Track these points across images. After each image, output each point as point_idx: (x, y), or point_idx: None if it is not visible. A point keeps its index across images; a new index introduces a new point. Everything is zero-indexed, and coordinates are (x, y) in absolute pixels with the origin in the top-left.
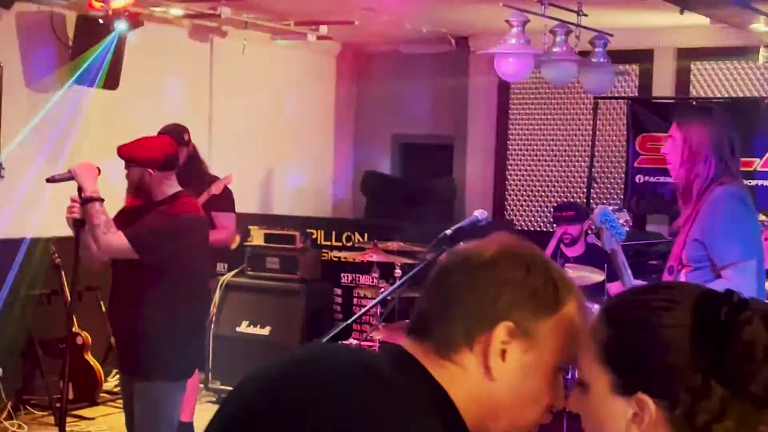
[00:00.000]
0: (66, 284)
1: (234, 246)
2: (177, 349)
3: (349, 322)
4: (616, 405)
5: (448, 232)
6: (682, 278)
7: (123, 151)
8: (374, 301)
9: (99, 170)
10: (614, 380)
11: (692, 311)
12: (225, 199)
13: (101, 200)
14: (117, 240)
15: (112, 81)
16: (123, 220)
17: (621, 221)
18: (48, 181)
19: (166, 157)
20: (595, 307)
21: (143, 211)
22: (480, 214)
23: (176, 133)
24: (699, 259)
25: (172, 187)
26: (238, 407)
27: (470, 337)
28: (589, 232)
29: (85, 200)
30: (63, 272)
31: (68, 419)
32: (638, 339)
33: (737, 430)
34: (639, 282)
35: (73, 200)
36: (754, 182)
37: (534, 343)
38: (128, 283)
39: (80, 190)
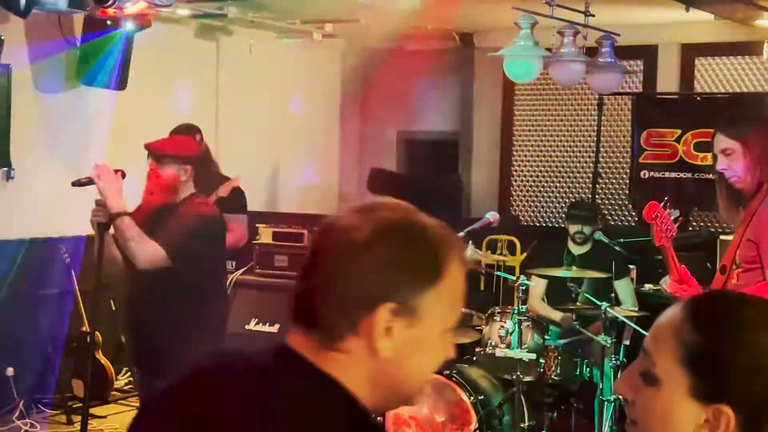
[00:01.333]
0: (76, 283)
1: (242, 244)
2: (201, 347)
3: None
4: (690, 408)
5: (461, 234)
6: (733, 279)
7: (158, 147)
8: None
9: (123, 174)
10: (695, 385)
11: None
12: (235, 201)
13: (128, 214)
14: (153, 250)
15: (120, 81)
16: (144, 221)
17: (672, 218)
18: (73, 184)
19: (196, 155)
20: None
21: (166, 213)
22: (492, 216)
23: (188, 134)
24: (751, 260)
25: (192, 187)
26: (146, 422)
27: (354, 323)
28: (597, 229)
29: (113, 217)
30: (73, 272)
31: (80, 418)
32: (732, 355)
33: None
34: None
35: (97, 203)
36: None
37: (419, 317)
38: (153, 282)
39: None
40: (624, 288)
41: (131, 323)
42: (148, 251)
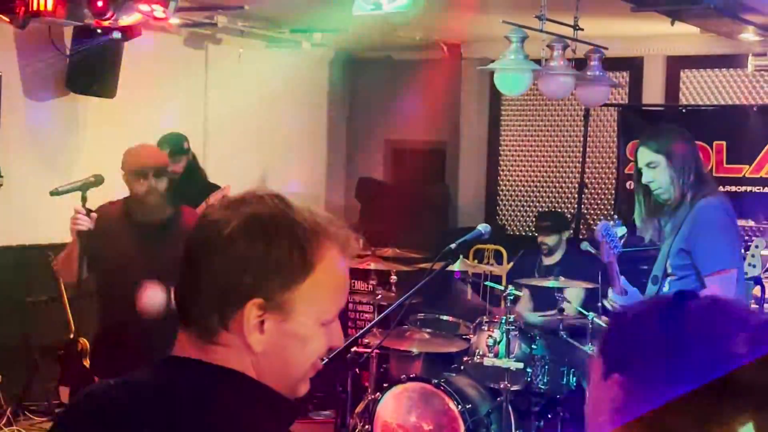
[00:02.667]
0: (64, 291)
1: None
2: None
3: (360, 333)
4: None
5: (453, 245)
6: (665, 287)
7: (153, 158)
8: (386, 310)
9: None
10: None
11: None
12: None
13: None
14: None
15: (109, 89)
16: (136, 240)
17: (619, 236)
18: (52, 194)
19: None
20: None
21: (162, 229)
22: (483, 228)
23: (176, 142)
24: (684, 268)
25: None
26: None
27: (224, 320)
28: (568, 237)
29: None
30: (61, 279)
31: None
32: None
33: None
34: (633, 289)
35: (77, 211)
36: (742, 188)
37: (291, 311)
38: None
39: (84, 200)
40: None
41: (135, 327)
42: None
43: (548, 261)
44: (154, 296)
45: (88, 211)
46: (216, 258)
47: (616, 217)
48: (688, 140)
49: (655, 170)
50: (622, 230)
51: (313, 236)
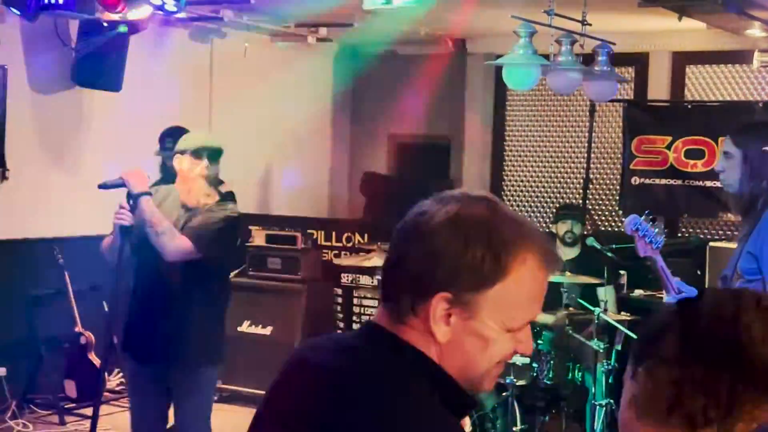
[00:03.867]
0: (69, 284)
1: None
2: (221, 337)
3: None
4: None
5: None
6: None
7: (212, 141)
8: None
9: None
10: None
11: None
12: None
13: (150, 194)
14: (184, 246)
15: (114, 82)
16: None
17: (656, 230)
18: (100, 187)
19: None
20: None
21: (199, 212)
22: None
23: (180, 136)
24: (752, 272)
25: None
26: (259, 418)
27: (413, 305)
28: (589, 235)
29: (137, 197)
30: (66, 272)
31: (72, 418)
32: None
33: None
34: (690, 288)
35: (122, 207)
36: None
37: (476, 311)
38: (178, 279)
39: (129, 196)
40: (608, 294)
41: (146, 316)
42: (180, 247)
43: (569, 254)
44: None
45: (132, 208)
46: (416, 246)
47: (647, 211)
48: None
49: (729, 162)
50: (659, 224)
51: (511, 245)
